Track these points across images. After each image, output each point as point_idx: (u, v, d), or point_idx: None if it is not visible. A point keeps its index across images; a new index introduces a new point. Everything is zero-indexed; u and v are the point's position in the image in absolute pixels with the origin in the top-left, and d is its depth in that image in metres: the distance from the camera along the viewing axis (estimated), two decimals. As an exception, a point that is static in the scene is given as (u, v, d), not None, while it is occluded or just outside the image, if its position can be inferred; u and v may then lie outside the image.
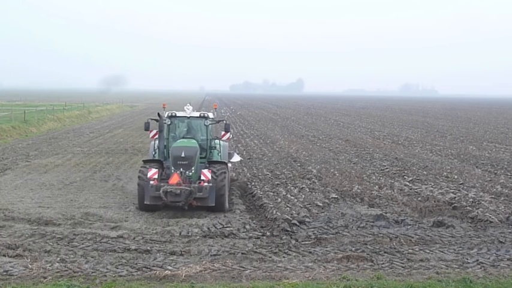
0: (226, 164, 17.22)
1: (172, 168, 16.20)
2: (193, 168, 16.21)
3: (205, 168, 16.44)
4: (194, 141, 17.16)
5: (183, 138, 17.53)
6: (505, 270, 11.70)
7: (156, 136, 18.23)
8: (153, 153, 18.10)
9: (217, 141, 18.38)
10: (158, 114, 17.66)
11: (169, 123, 17.85)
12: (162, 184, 15.51)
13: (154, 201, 15.67)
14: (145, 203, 15.88)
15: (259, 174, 23.41)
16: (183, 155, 16.05)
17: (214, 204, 15.70)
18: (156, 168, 16.11)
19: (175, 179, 15.49)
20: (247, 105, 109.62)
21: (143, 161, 17.41)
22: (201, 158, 17.02)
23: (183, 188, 15.24)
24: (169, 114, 17.99)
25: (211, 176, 15.86)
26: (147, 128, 18.44)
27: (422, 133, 47.15)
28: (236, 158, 20.53)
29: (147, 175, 15.87)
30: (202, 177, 15.82)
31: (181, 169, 15.99)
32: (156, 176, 15.79)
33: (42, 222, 14.95)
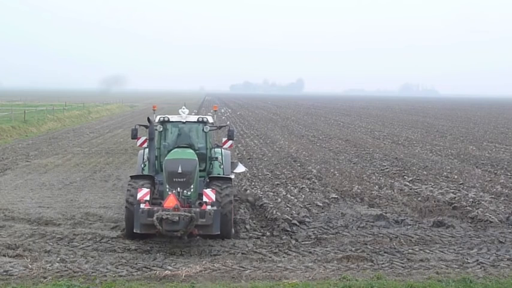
0: (231, 179, 14.39)
1: (167, 186, 13.32)
2: (192, 186, 13.37)
3: (207, 185, 13.72)
4: (192, 151, 14.21)
5: (178, 147, 14.64)
6: (505, 270, 11.70)
7: (145, 144, 15.69)
8: (142, 166, 15.23)
9: (218, 149, 15.72)
10: (148, 119, 15.00)
11: (161, 129, 14.98)
12: (155, 209, 12.48)
13: (146, 229, 12.61)
14: (134, 231, 12.80)
15: (259, 174, 23.40)
16: (179, 170, 13.21)
17: (219, 232, 12.83)
18: (147, 187, 13.25)
19: (171, 201, 12.54)
20: (247, 105, 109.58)
21: (131, 176, 14.17)
22: (200, 171, 14.12)
23: (181, 214, 12.22)
24: (161, 118, 15.11)
25: (215, 196, 13.08)
26: (134, 135, 15.67)
27: (422, 133, 47.14)
28: (240, 169, 17.63)
29: (136, 196, 13.03)
30: (205, 199, 12.93)
31: (178, 188, 13.18)
32: (147, 198, 12.89)
33: (42, 222, 14.96)
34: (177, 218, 12.19)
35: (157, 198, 13.50)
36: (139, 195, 12.93)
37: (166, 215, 12.18)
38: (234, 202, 14.98)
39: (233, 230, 13.96)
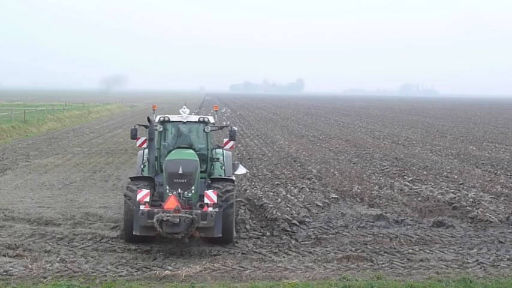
0: (233, 181, 14.11)
1: (167, 187, 13.08)
2: (193, 187, 13.12)
3: (208, 186, 13.40)
4: (193, 152, 13.96)
5: (179, 148, 14.41)
6: (505, 270, 11.71)
7: (145, 145, 15.35)
8: (142, 166, 14.98)
9: (219, 150, 15.47)
10: (148, 118, 14.62)
11: (161, 129, 14.64)
12: (155, 210, 12.23)
13: (146, 231, 12.32)
14: (134, 233, 12.49)
15: (259, 174, 23.40)
16: (180, 171, 12.96)
17: (221, 235, 12.43)
18: (147, 188, 12.96)
19: (172, 203, 12.29)
20: (247, 105, 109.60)
21: (130, 178, 13.96)
22: (200, 172, 13.81)
23: (182, 216, 11.93)
24: (161, 118, 14.77)
25: (217, 198, 12.75)
26: (134, 135, 15.28)
27: (422, 133, 47.16)
28: (241, 170, 17.35)
29: (135, 197, 12.76)
30: (206, 200, 12.61)
31: (178, 189, 12.92)
32: (147, 199, 12.60)
33: (42, 222, 14.97)
34: (178, 220, 11.87)
35: (157, 200, 13.20)
36: (138, 197, 12.64)
37: (167, 216, 11.88)
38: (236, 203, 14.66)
39: (235, 233, 13.59)
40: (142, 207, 12.41)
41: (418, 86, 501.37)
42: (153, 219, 11.94)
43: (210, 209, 12.41)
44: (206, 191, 12.81)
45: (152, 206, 12.69)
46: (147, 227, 12.18)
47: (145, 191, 12.68)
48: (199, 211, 12.29)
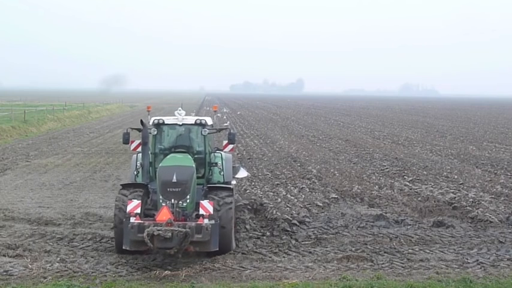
0: (232, 189, 13.20)
1: (161, 197, 12.09)
2: (188, 196, 12.16)
3: (205, 195, 12.66)
4: (189, 157, 12.90)
5: (174, 152, 13.35)
6: (505, 270, 11.71)
7: (139, 148, 14.14)
8: (135, 172, 13.91)
9: (218, 154, 14.40)
10: (141, 121, 13.58)
11: (155, 133, 13.60)
12: (146, 224, 11.29)
13: (136, 246, 11.49)
14: (123, 247, 11.72)
15: (259, 174, 23.40)
16: (174, 179, 11.98)
17: (217, 249, 11.68)
18: (138, 198, 12.13)
19: (164, 214, 11.39)
20: (247, 105, 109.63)
21: (122, 185, 13.19)
22: (198, 178, 12.94)
23: (175, 230, 11.02)
24: (156, 121, 13.71)
25: (214, 209, 11.88)
26: (126, 140, 14.05)
27: (422, 133, 47.16)
28: (243, 174, 16.27)
29: (126, 207, 11.90)
30: (201, 211, 11.70)
31: (172, 199, 11.95)
32: (138, 211, 11.73)
33: (42, 222, 14.99)
34: (170, 234, 10.99)
35: (151, 209, 12.47)
36: (129, 208, 11.75)
37: (158, 230, 11.00)
38: (236, 210, 14.01)
39: (234, 244, 12.86)
40: (132, 219, 11.53)
41: (418, 86, 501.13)
42: (144, 233, 11.08)
43: (206, 220, 11.53)
44: (202, 202, 11.92)
45: (145, 216, 12.06)
46: (137, 241, 11.35)
47: (135, 202, 11.85)
48: (193, 224, 11.40)
